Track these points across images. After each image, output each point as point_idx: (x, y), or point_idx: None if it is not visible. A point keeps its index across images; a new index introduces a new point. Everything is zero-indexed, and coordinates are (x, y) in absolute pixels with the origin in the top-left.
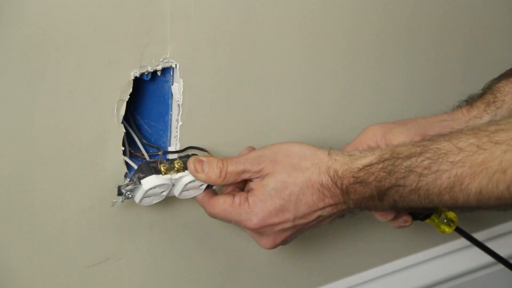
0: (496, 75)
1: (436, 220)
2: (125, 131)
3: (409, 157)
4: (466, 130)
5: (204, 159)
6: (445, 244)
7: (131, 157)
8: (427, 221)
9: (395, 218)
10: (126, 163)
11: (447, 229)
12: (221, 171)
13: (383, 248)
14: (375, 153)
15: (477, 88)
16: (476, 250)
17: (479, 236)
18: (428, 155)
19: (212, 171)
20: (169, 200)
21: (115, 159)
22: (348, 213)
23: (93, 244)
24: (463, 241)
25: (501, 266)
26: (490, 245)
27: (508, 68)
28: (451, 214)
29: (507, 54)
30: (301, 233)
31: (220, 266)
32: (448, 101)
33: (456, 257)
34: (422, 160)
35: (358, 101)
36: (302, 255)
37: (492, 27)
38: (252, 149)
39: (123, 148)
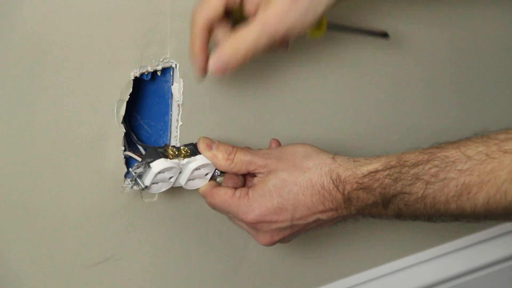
0: None
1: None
2: (125, 131)
3: (416, 164)
4: (475, 138)
5: (215, 141)
6: (445, 244)
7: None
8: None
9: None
10: (126, 162)
11: (317, 32)
12: (230, 153)
13: (383, 248)
14: (381, 159)
15: None
16: (476, 250)
17: (479, 236)
18: (436, 162)
19: (221, 152)
20: (169, 200)
21: (115, 159)
22: (351, 219)
23: (93, 244)
24: (463, 241)
25: (501, 266)
26: (490, 245)
27: None
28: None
29: None
30: (301, 233)
31: (220, 266)
32: None
33: (456, 257)
34: (430, 168)
35: (360, 105)
36: (302, 255)
37: None
38: (249, 149)
39: (123, 148)
